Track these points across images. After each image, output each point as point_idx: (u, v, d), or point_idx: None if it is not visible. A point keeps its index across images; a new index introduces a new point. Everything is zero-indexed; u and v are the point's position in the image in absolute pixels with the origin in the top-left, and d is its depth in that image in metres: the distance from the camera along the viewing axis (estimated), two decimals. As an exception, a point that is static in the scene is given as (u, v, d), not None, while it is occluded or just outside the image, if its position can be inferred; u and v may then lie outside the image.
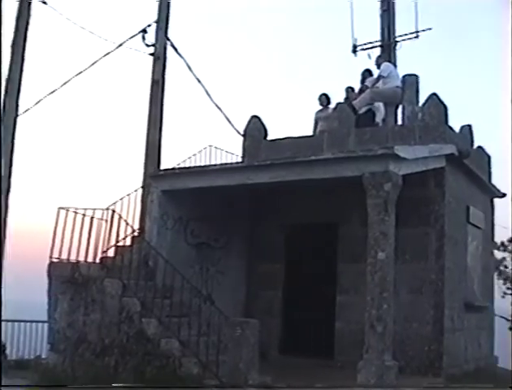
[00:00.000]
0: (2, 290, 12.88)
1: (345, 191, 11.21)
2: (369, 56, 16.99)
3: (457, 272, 12.25)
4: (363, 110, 13.75)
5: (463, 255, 12.76)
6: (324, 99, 14.63)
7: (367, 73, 14.41)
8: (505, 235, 36.61)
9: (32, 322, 15.52)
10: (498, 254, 34.76)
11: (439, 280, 11.47)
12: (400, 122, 13.73)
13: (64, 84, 15.28)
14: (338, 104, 13.67)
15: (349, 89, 14.49)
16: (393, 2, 18.12)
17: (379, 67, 14.05)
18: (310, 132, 14.38)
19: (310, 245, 12.98)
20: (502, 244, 36.90)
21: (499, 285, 34.99)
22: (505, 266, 38.02)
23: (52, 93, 15.15)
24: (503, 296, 36.40)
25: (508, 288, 37.60)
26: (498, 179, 15.13)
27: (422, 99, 12.91)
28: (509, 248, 37.96)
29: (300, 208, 12.95)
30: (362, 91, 13.96)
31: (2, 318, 13.46)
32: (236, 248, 13.54)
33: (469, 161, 12.74)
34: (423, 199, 11.70)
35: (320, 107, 14.69)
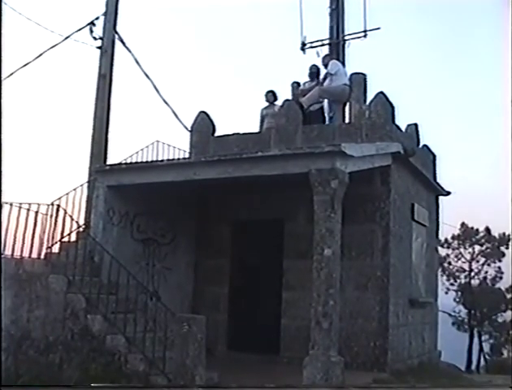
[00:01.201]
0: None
1: (292, 188, 11.26)
2: (317, 54, 17.05)
3: (402, 269, 12.43)
4: (316, 107, 13.85)
5: (408, 252, 12.94)
6: (271, 96, 14.66)
7: (314, 68, 14.50)
8: (449, 232, 37.45)
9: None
10: (442, 251, 35.62)
11: (384, 277, 11.63)
12: (347, 120, 13.85)
13: (9, 75, 14.99)
14: (286, 101, 13.73)
15: (295, 84, 14.58)
16: (342, 1, 18.20)
17: (326, 66, 14.14)
18: (257, 129, 14.39)
19: (256, 241, 13.01)
20: (446, 241, 37.73)
21: (443, 281, 35.86)
22: (449, 263, 38.92)
23: (-4, 85, 14.84)
24: (446, 292, 37.27)
25: (451, 284, 38.47)
26: (443, 178, 15.46)
27: (370, 97, 13.05)
28: (453, 245, 38.82)
29: (246, 204, 12.98)
30: (309, 89, 14.02)
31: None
32: (182, 244, 13.49)
33: (414, 159, 12.95)
34: (369, 196, 11.84)
35: (267, 104, 14.72)
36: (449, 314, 37.10)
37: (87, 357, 9.54)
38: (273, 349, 12.27)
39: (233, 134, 13.69)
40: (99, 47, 15.73)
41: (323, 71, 14.24)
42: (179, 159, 12.54)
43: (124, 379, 8.95)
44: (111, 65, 15.71)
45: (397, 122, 12.62)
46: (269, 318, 12.53)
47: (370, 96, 13.12)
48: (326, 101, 14.12)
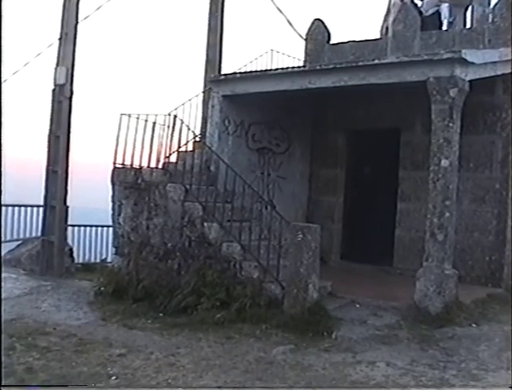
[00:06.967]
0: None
1: (409, 96, 10.96)
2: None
3: (523, 182, 11.97)
4: (431, 12, 13.28)
5: (530, 165, 12.42)
6: None
7: None
8: None
9: (97, 226, 15.91)
10: None
11: (503, 190, 11.23)
12: (469, 25, 13.23)
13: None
14: (403, 5, 13.21)
15: None
16: None
17: None
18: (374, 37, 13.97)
19: (371, 151, 12.85)
20: None
21: None
22: None
23: (112, -2, 15.01)
24: None
25: None
26: None
27: (493, 0, 12.38)
28: None
29: (362, 113, 12.76)
30: None
31: (69, 223, 13.90)
32: (297, 153, 13.50)
33: (541, 66, 12.24)
34: (489, 106, 11.35)
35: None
36: None
37: (204, 263, 9.80)
38: (386, 260, 12.27)
39: (349, 42, 13.37)
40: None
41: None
42: (293, 68, 12.37)
43: (239, 285, 9.15)
44: (224, -24, 15.53)
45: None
46: (383, 228, 12.48)
47: (494, -1, 12.46)
48: (444, 5, 13.49)
